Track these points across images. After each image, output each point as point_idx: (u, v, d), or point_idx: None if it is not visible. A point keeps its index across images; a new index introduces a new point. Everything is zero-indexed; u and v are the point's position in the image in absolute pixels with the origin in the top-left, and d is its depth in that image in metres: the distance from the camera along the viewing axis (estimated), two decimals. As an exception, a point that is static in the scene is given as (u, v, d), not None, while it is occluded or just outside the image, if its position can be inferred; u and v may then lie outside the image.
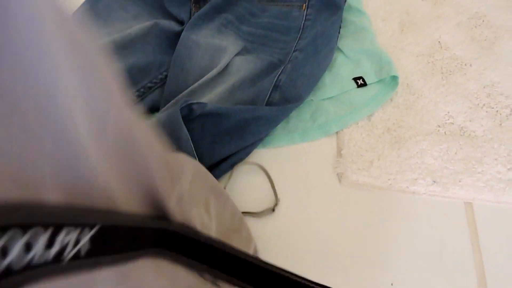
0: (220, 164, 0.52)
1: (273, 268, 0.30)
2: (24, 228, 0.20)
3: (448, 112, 0.57)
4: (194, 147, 0.48)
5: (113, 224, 0.26)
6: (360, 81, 0.58)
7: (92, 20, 0.61)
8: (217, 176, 0.52)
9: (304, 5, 0.63)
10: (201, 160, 0.50)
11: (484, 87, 0.59)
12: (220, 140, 0.51)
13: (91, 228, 0.24)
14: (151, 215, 0.29)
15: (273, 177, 0.54)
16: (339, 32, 0.61)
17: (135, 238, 0.27)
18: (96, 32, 0.61)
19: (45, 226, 0.21)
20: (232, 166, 0.53)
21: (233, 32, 0.61)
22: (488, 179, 0.52)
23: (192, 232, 0.30)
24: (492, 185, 0.51)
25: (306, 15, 0.63)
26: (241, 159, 0.53)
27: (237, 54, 0.58)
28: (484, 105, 0.58)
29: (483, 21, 0.65)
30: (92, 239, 0.23)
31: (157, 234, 0.28)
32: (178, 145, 0.48)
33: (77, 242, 0.22)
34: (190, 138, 0.48)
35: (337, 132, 0.57)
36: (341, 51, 0.61)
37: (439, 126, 0.56)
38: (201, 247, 0.29)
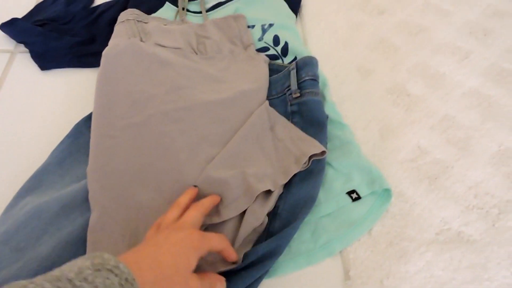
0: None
1: None
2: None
3: (443, 218, 0.58)
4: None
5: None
6: (354, 195, 0.59)
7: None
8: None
9: (288, 124, 0.65)
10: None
11: (469, 188, 0.61)
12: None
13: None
14: None
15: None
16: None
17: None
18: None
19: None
20: (239, 305, 0.50)
21: None
22: (497, 286, 0.52)
23: None
24: (503, 292, 0.51)
25: (292, 135, 0.64)
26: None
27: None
28: (474, 206, 0.59)
29: (453, 122, 0.69)
30: None
31: None
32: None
33: None
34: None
35: (340, 251, 0.56)
36: (330, 165, 0.63)
37: (437, 233, 0.57)
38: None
